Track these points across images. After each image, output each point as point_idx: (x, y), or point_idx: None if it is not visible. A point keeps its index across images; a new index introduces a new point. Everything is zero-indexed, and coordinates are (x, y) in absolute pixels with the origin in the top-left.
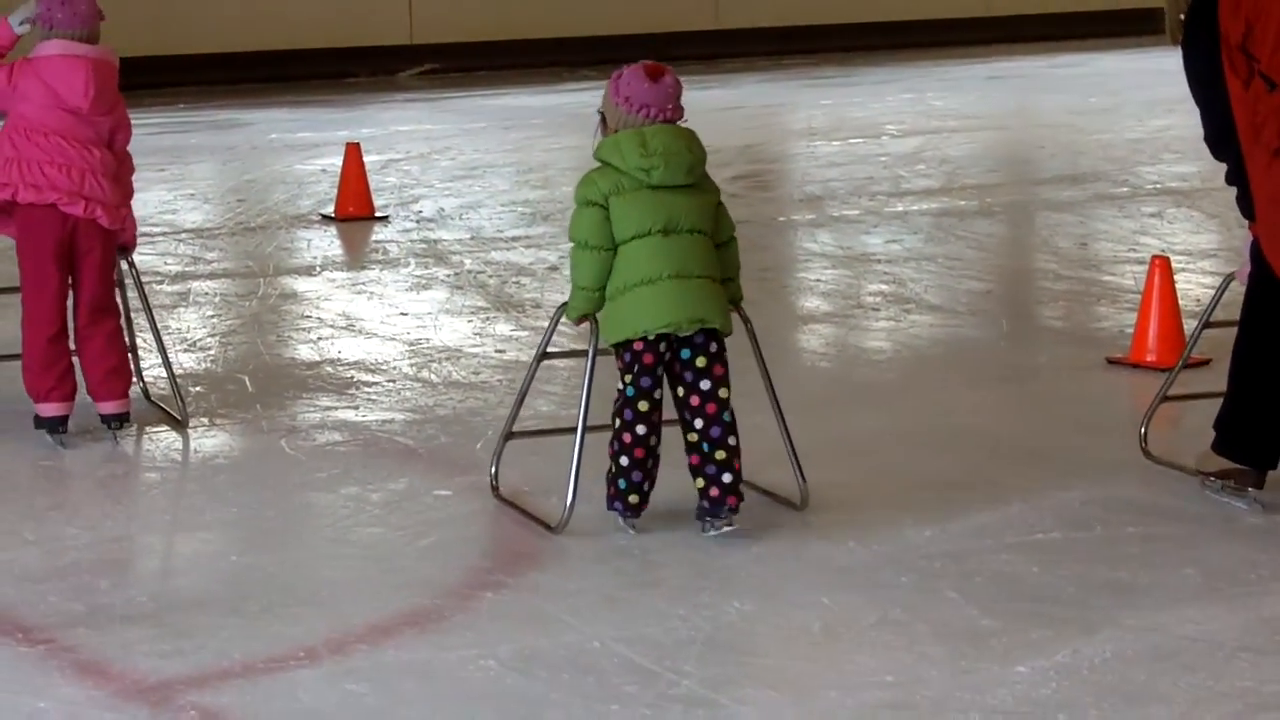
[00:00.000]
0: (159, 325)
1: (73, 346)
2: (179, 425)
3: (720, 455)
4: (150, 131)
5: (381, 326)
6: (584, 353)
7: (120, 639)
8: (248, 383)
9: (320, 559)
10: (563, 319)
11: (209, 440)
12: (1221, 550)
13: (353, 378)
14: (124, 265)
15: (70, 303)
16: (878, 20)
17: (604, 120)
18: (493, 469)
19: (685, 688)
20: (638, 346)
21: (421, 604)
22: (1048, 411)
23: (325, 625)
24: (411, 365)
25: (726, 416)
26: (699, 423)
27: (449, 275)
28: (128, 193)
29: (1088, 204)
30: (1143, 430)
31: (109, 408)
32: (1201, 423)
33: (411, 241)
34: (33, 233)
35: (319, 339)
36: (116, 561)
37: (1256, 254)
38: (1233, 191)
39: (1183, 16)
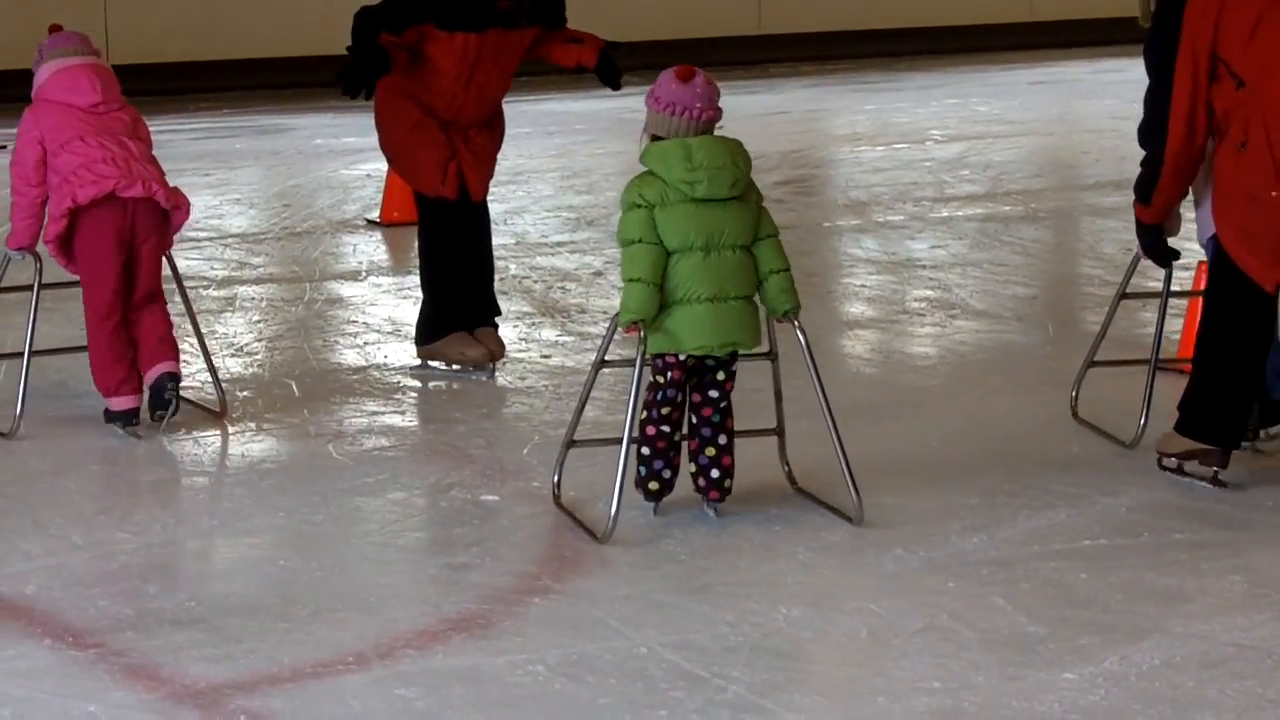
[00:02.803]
0: (204, 329)
1: None
2: (217, 417)
3: (710, 451)
4: (195, 136)
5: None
6: (632, 363)
7: (170, 643)
8: (294, 387)
9: (368, 564)
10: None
11: (256, 445)
12: (1269, 557)
13: (399, 382)
14: (166, 263)
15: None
16: (921, 25)
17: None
18: (555, 478)
19: (733, 693)
20: (670, 359)
21: (469, 609)
22: (1094, 417)
23: (374, 630)
24: (453, 370)
25: (718, 418)
26: (695, 417)
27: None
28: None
29: (1132, 209)
30: (1074, 394)
31: (163, 367)
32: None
33: None
34: (96, 231)
35: (365, 344)
36: (165, 566)
37: (1214, 239)
38: None
39: (1153, 5)
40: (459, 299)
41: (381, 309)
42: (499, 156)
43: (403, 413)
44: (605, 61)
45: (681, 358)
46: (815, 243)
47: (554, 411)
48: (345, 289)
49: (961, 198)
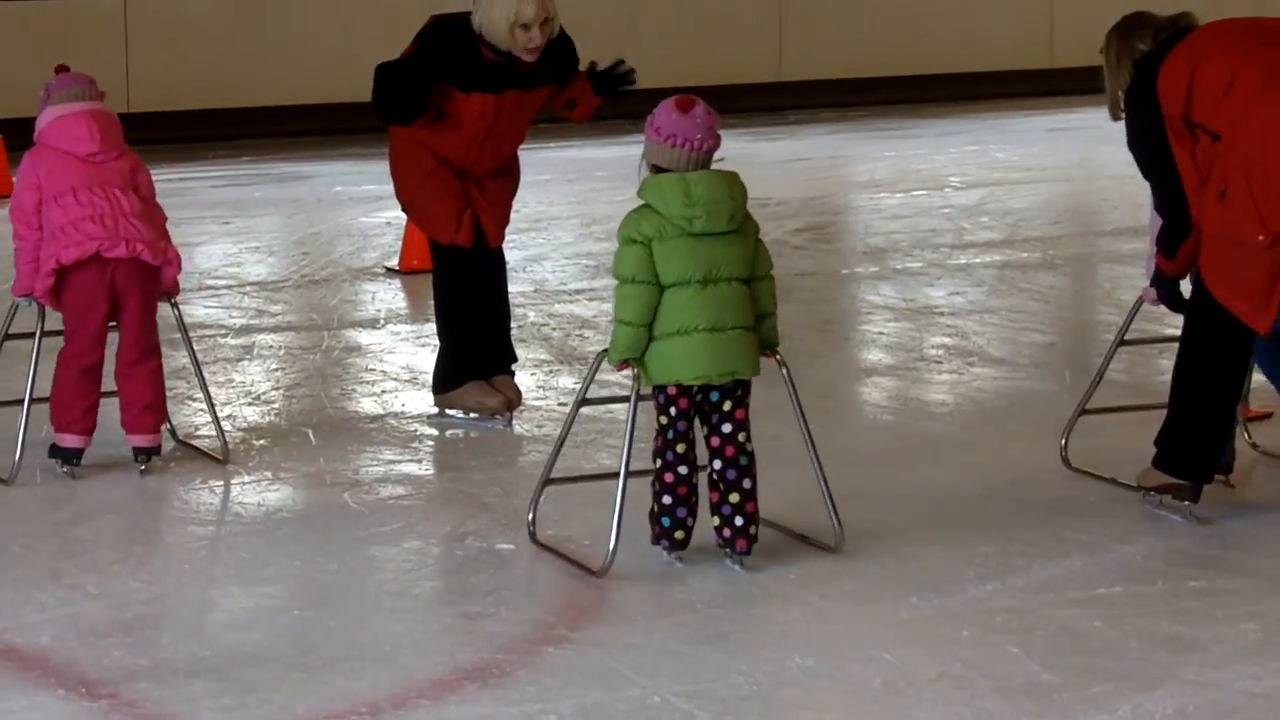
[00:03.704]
0: (221, 376)
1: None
2: (219, 464)
3: (734, 498)
4: (214, 184)
5: None
6: (625, 399)
7: (184, 693)
8: (311, 435)
9: (383, 613)
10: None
11: (272, 493)
12: None
13: (416, 431)
14: (172, 311)
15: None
16: (941, 72)
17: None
18: (530, 515)
19: None
20: (671, 391)
21: (484, 658)
22: (1110, 465)
23: (388, 680)
24: (470, 418)
25: (743, 461)
26: (717, 463)
27: (513, 329)
28: (162, 232)
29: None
30: (1063, 442)
31: (141, 441)
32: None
33: None
34: (79, 288)
35: (383, 392)
36: (180, 615)
37: (1197, 280)
38: None
39: (1122, 93)
40: (476, 347)
41: (400, 357)
42: (517, 203)
43: (419, 461)
44: (600, 81)
45: (684, 385)
46: (834, 289)
47: (571, 459)
48: (363, 337)
49: (980, 244)
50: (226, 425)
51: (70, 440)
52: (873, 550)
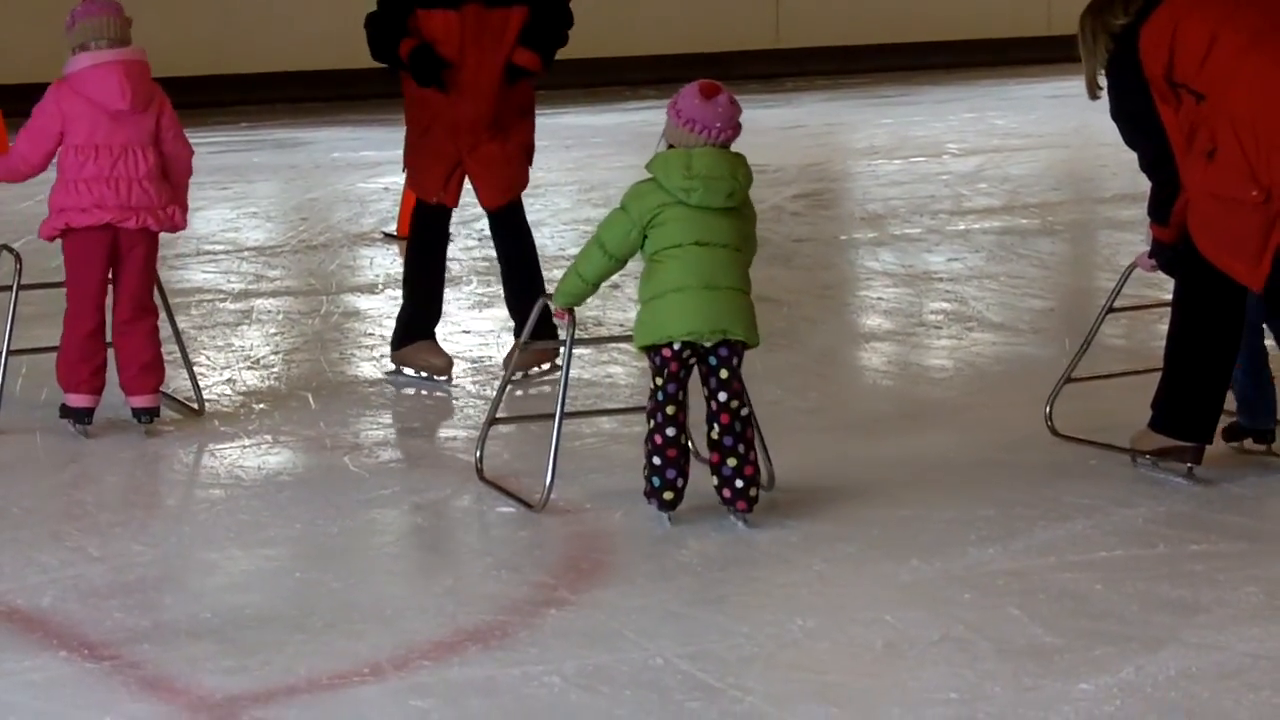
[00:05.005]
0: (220, 341)
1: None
2: (195, 414)
3: (732, 461)
4: (213, 150)
5: (444, 344)
6: (563, 343)
7: (185, 655)
8: (311, 400)
9: (384, 575)
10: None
11: (272, 457)
12: None
13: (416, 394)
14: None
15: (111, 299)
16: (939, 39)
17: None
18: (478, 453)
19: (749, 704)
20: (665, 353)
21: (485, 620)
22: (1110, 429)
23: (390, 642)
24: (474, 383)
25: (738, 426)
26: (716, 428)
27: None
28: (181, 179)
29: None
30: (1048, 410)
31: (141, 401)
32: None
33: (474, 260)
34: (83, 246)
35: (381, 356)
36: (181, 578)
37: (1186, 241)
38: None
39: (1101, 69)
40: (429, 307)
41: None
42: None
43: (419, 424)
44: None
45: (676, 347)
46: (833, 256)
47: (571, 423)
48: (362, 302)
49: (978, 211)
50: (226, 389)
51: (80, 400)
52: (874, 514)
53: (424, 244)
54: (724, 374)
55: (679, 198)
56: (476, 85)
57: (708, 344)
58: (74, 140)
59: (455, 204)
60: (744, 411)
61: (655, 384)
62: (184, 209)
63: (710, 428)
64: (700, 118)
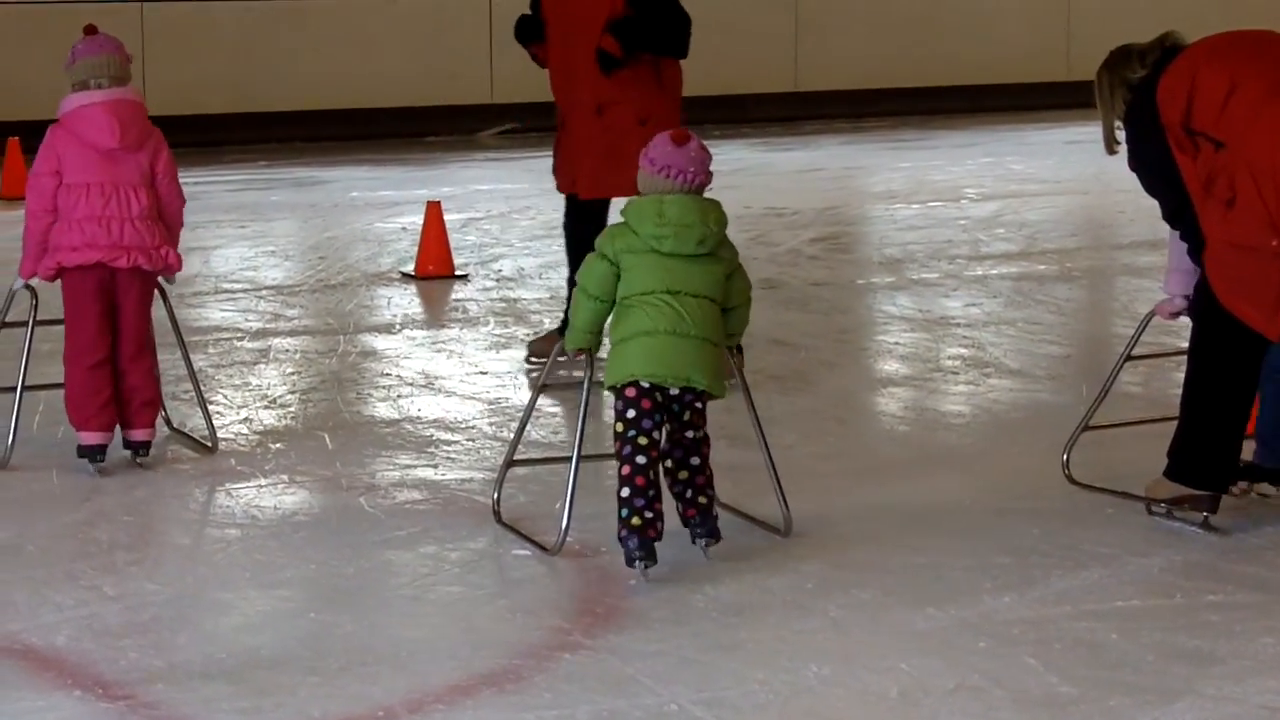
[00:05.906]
0: (237, 380)
1: None
2: (208, 452)
3: (683, 475)
4: (231, 188)
5: (461, 385)
6: (580, 383)
7: (200, 695)
8: (327, 440)
9: (399, 618)
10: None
11: (288, 497)
12: None
13: (432, 436)
14: (160, 298)
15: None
16: (957, 84)
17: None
18: (495, 495)
19: None
20: (630, 394)
21: (500, 664)
22: (1128, 478)
23: (403, 685)
24: (491, 424)
25: (695, 461)
26: (677, 452)
27: (529, 334)
28: (173, 225)
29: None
30: (1065, 458)
31: (139, 435)
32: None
33: (491, 300)
34: (78, 285)
35: (399, 397)
36: (196, 618)
37: (1204, 289)
38: None
39: (1119, 122)
40: None
41: (415, 362)
42: (532, 210)
43: (435, 466)
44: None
45: (645, 385)
46: (849, 300)
47: (588, 466)
48: (379, 342)
49: (996, 256)
50: (242, 429)
51: (91, 438)
52: (889, 560)
53: (567, 232)
54: (687, 416)
55: (651, 245)
56: (570, 66)
57: (673, 391)
58: (69, 179)
59: (564, 190)
60: (699, 435)
61: (621, 423)
62: (176, 253)
63: (669, 456)
64: (673, 163)
